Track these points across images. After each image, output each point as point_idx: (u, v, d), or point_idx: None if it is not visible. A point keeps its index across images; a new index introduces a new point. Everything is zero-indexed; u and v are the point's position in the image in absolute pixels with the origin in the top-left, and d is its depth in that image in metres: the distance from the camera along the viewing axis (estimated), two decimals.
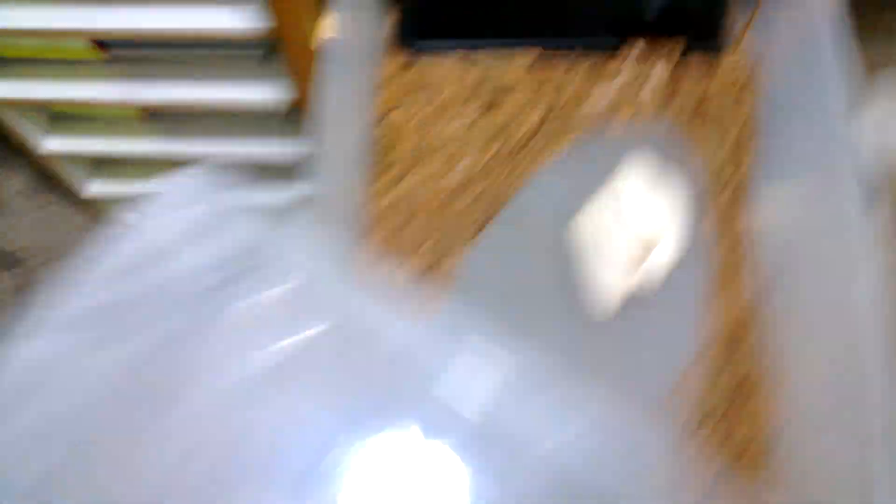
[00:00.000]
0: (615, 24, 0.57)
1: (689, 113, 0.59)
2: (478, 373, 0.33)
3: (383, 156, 0.54)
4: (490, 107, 0.56)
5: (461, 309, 0.53)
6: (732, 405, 0.50)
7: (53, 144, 0.91)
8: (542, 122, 0.57)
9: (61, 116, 0.91)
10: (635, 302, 0.53)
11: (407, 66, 0.57)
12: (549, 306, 0.54)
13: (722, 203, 0.56)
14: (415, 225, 0.53)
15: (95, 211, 1.12)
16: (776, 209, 0.53)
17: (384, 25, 0.59)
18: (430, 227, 0.54)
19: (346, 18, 0.49)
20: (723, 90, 0.58)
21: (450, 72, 0.56)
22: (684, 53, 0.59)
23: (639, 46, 0.59)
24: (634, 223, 0.51)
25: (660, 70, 0.59)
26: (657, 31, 0.59)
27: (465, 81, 0.56)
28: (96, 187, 1.05)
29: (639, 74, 0.59)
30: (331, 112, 0.46)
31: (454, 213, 0.55)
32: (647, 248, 0.52)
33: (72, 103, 0.80)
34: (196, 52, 0.78)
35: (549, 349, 0.51)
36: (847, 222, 0.44)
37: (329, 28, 0.47)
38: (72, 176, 1.01)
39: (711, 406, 0.49)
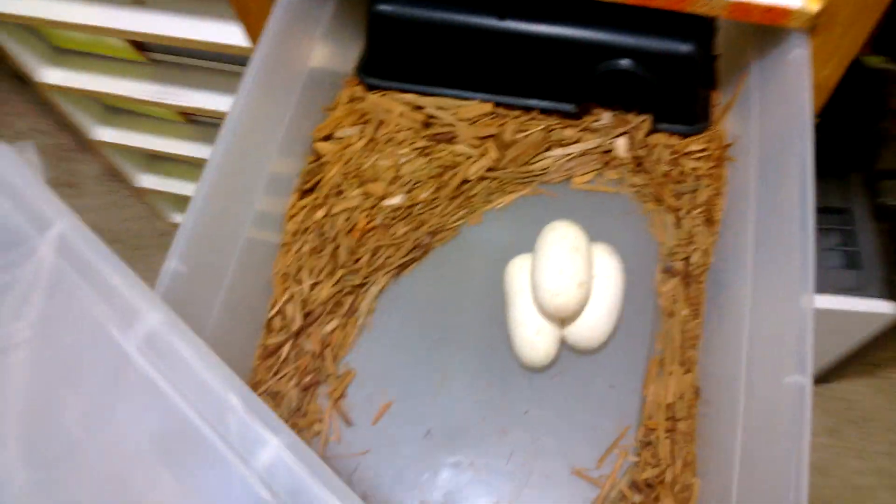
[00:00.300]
0: (576, 91, 0.54)
1: (648, 191, 0.55)
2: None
3: (310, 177, 0.54)
4: (433, 149, 0.55)
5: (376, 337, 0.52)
6: (661, 480, 0.45)
7: (105, 135, 0.98)
8: (486, 173, 0.55)
9: (114, 110, 0.98)
10: (572, 360, 0.51)
11: (359, 98, 0.57)
12: (480, 350, 0.52)
13: (670, 284, 0.51)
14: (332, 250, 0.53)
15: (152, 202, 1.20)
16: (727, 299, 0.49)
17: (346, 55, 0.60)
18: (349, 255, 0.53)
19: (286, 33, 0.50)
20: (688, 173, 0.54)
21: (399, 110, 0.56)
22: (652, 130, 0.55)
23: (603, 117, 0.56)
24: (575, 288, 0.47)
25: (623, 144, 0.56)
26: (624, 105, 0.56)
27: (413, 121, 0.56)
28: (148, 181, 1.12)
29: (599, 145, 0.56)
30: (241, 120, 0.46)
31: (377, 245, 0.53)
32: (580, 313, 0.49)
33: (114, 97, 0.87)
34: (228, 67, 0.82)
35: (471, 397, 0.50)
36: (794, 326, 0.39)
37: (266, 42, 0.47)
38: (126, 167, 1.09)
39: (641, 476, 0.45)
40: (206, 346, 0.28)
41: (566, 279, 0.47)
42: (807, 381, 0.37)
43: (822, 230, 0.88)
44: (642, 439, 0.47)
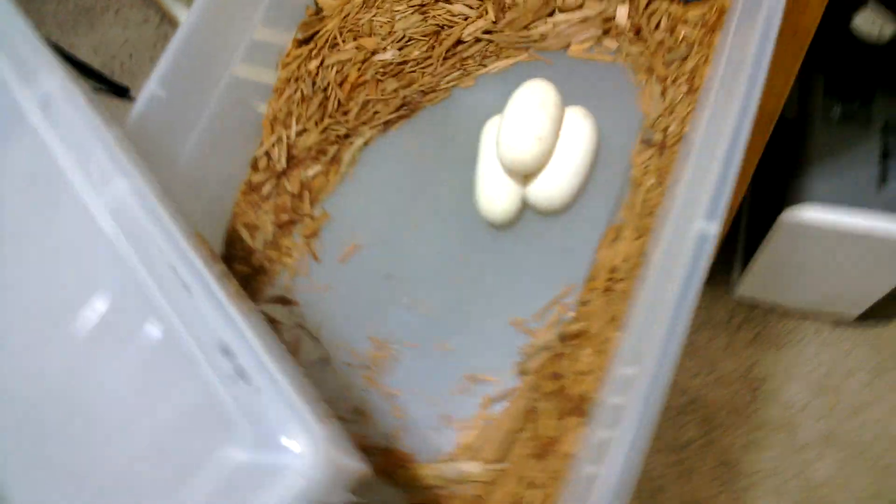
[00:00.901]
0: None
1: (643, 60, 0.53)
2: None
3: (308, 29, 0.56)
4: (430, 7, 0.56)
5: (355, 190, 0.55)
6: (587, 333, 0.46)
7: None
8: (482, 35, 0.55)
9: None
10: (535, 220, 0.51)
11: None
12: (451, 207, 0.53)
13: (646, 155, 0.50)
14: (322, 100, 0.55)
15: None
16: (687, 166, 0.47)
17: None
18: (338, 106, 0.55)
19: None
20: (682, 40, 0.51)
21: None
22: None
23: None
24: (533, 142, 0.47)
25: (624, 10, 0.53)
26: None
27: None
28: None
29: (601, 11, 0.54)
30: None
31: (367, 99, 0.55)
32: (539, 170, 0.49)
33: None
34: None
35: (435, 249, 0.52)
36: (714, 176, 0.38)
37: None
38: None
39: (570, 329, 0.46)
40: (91, 108, 0.32)
41: (525, 133, 0.47)
42: (712, 228, 0.35)
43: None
44: (582, 298, 0.47)
